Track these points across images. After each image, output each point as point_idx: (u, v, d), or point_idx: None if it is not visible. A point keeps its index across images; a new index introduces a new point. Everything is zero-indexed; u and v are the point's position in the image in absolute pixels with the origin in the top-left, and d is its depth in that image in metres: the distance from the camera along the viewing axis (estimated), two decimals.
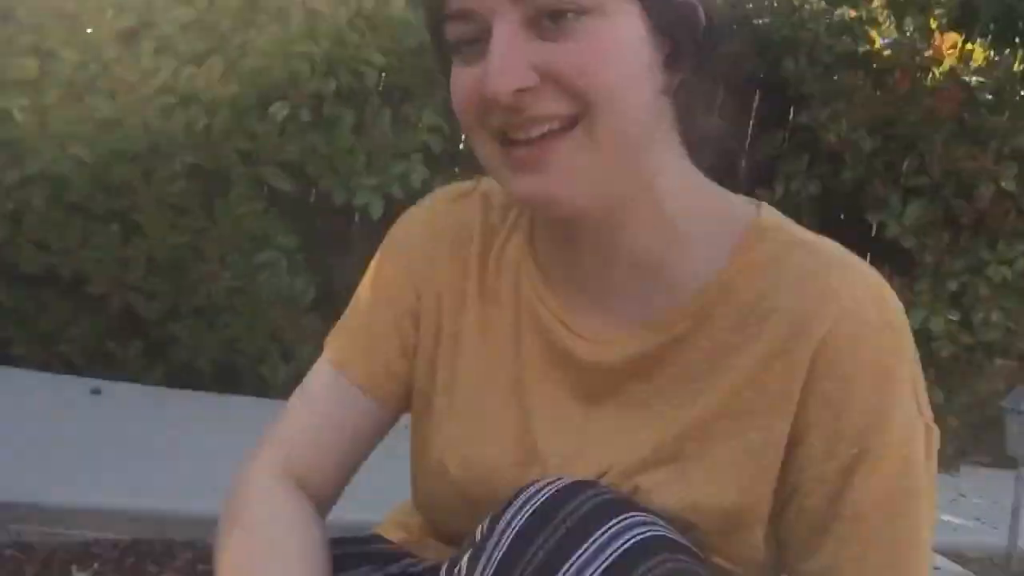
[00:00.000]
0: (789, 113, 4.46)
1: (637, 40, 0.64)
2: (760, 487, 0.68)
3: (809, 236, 0.72)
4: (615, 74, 0.63)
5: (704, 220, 0.72)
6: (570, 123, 0.63)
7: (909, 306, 3.89)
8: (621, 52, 0.63)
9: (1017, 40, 4.26)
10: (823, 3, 4.37)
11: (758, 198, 0.74)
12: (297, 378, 0.84)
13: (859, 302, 0.67)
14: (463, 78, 0.66)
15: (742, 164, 4.62)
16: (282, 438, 0.80)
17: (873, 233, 4.10)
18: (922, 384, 0.69)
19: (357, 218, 3.40)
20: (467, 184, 0.85)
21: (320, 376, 0.83)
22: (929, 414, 0.69)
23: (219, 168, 3.06)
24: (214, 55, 2.87)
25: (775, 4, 4.41)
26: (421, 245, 0.83)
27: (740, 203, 0.75)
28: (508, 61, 0.61)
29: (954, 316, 3.90)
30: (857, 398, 0.66)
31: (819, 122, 4.08)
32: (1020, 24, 4.16)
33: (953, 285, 3.91)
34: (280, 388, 3.16)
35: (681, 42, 0.66)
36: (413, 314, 0.82)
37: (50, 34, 2.70)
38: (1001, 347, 3.98)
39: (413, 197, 0.93)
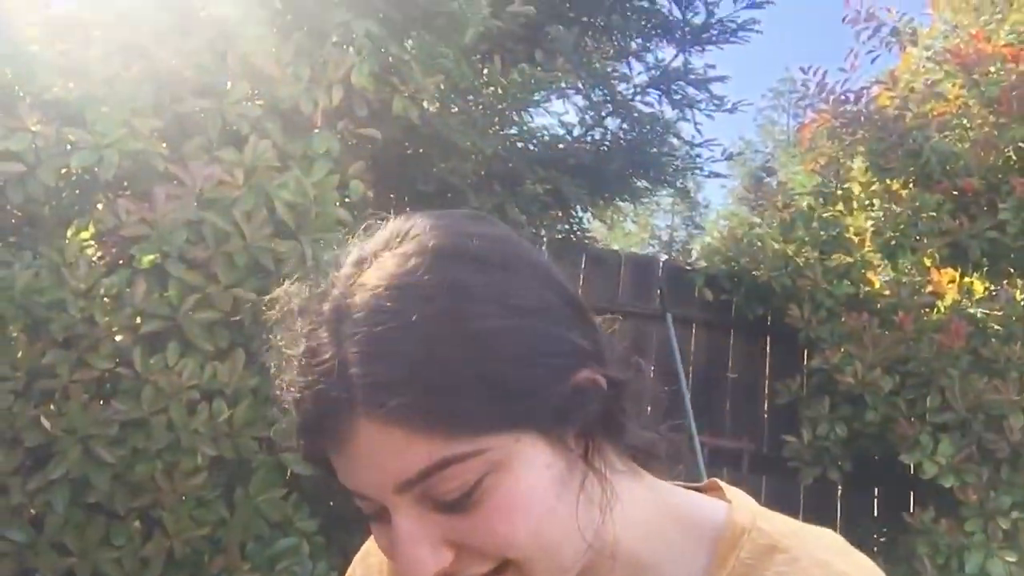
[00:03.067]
0: (802, 358, 4.50)
1: (543, 468, 0.59)
2: None
3: (783, 534, 0.68)
4: (529, 526, 0.58)
5: (671, 541, 0.68)
6: (502, 567, 0.60)
7: (962, 550, 3.68)
8: (530, 499, 0.58)
9: (1013, 271, 4.35)
10: (816, 252, 4.53)
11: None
12: None
13: None
14: (383, 539, 0.64)
15: (764, 410, 4.59)
16: None
17: (911, 472, 4.01)
18: None
19: None
20: None
21: None
22: None
23: (240, 458, 3.05)
24: (236, 350, 2.96)
25: (769, 255, 4.58)
26: None
27: (706, 505, 0.71)
28: (416, 553, 0.58)
29: (1012, 558, 3.67)
30: None
31: (833, 365, 4.10)
32: (1012, 255, 4.26)
33: (1005, 524, 3.72)
34: None
35: (586, 421, 0.61)
36: None
37: (78, 343, 2.80)
38: None
39: None
